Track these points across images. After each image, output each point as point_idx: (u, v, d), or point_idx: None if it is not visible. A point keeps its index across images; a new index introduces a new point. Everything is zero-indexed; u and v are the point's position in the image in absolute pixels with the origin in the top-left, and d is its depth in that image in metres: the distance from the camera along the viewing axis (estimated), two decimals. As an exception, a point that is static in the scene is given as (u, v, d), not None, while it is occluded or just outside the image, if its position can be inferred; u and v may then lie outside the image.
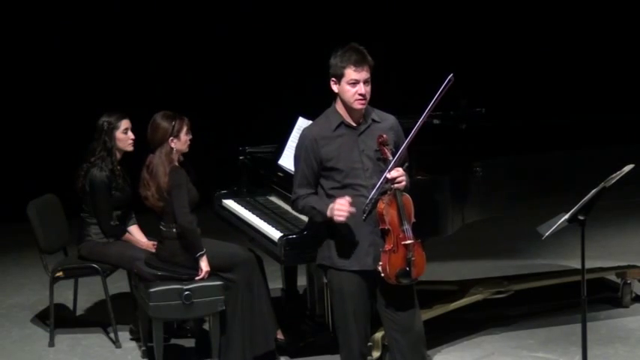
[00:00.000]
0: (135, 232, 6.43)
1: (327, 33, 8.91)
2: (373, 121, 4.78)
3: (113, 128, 6.31)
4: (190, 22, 10.11)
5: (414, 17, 10.43)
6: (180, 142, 5.79)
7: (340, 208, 4.57)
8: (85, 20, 9.85)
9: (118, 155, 6.35)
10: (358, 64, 4.64)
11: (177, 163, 5.79)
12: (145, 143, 5.94)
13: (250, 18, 10.20)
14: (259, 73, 10.06)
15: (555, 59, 10.51)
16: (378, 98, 4.83)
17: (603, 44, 10.58)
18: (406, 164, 4.86)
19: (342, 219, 4.59)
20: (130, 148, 6.36)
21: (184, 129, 5.81)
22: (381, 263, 4.64)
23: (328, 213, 4.63)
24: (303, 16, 10.17)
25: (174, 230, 5.78)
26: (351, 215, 4.61)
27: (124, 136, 6.35)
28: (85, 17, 9.84)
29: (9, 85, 9.77)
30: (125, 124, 6.35)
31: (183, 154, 5.85)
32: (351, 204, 4.58)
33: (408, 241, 4.64)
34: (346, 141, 4.71)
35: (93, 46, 9.87)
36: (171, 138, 5.76)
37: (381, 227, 4.66)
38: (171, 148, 5.76)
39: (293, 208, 4.92)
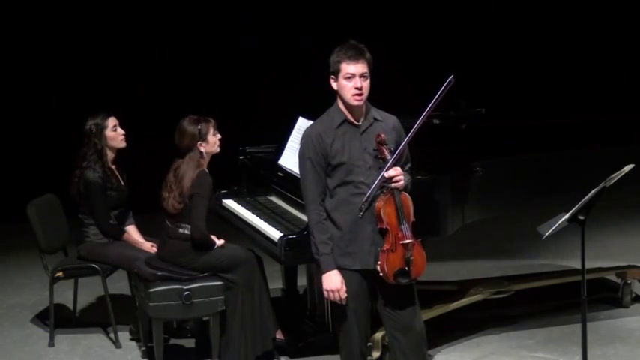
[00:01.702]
0: (133, 233, 6.42)
1: (327, 32, 8.90)
2: (375, 119, 4.78)
3: (102, 129, 6.30)
4: (190, 21, 10.11)
5: (414, 17, 10.43)
6: (209, 145, 5.79)
7: (336, 295, 4.70)
8: (84, 20, 9.86)
9: (111, 154, 6.35)
10: (353, 58, 4.65)
11: (206, 168, 5.79)
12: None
13: (250, 17, 10.20)
14: (259, 72, 10.06)
15: (555, 59, 10.51)
16: (378, 99, 4.83)
17: (603, 44, 10.58)
18: (409, 165, 4.86)
19: (326, 294, 4.72)
20: (123, 144, 6.37)
21: (211, 131, 5.80)
22: (379, 263, 4.65)
23: (324, 276, 4.70)
24: (303, 16, 10.17)
25: (179, 230, 5.79)
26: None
27: (114, 134, 6.35)
28: (84, 17, 9.85)
29: (9, 86, 9.78)
30: (112, 121, 6.35)
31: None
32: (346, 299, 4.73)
33: (407, 241, 4.64)
34: (349, 138, 4.72)
35: (92, 45, 9.87)
36: (199, 142, 5.76)
37: (379, 227, 4.66)
38: (200, 153, 5.77)
39: (307, 212, 4.81)
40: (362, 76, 4.67)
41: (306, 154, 4.74)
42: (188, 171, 5.73)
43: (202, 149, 5.77)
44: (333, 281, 4.70)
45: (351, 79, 4.66)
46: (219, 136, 5.84)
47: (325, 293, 4.74)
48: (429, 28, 10.39)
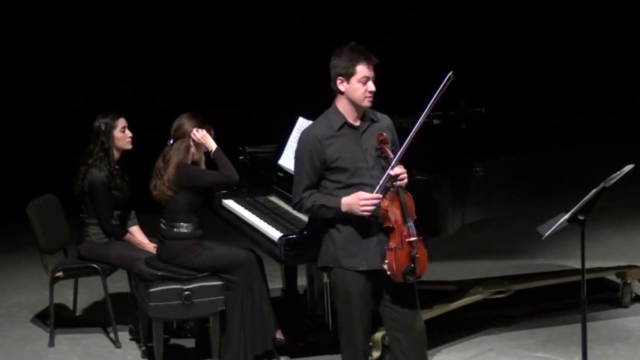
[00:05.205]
0: (136, 233, 6.43)
1: (326, 32, 8.91)
2: (372, 120, 4.79)
3: (111, 128, 6.32)
4: (189, 22, 10.11)
5: (414, 17, 10.43)
6: (198, 144, 5.80)
7: (366, 200, 4.56)
8: (84, 20, 9.86)
9: (117, 154, 6.36)
10: (369, 61, 4.66)
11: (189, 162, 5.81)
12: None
13: (250, 17, 10.20)
14: (259, 72, 10.06)
15: (555, 59, 10.51)
16: (378, 98, 4.84)
17: (602, 44, 10.58)
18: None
19: (367, 213, 4.59)
20: (129, 146, 6.38)
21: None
22: (387, 261, 4.65)
23: (344, 208, 4.63)
24: (302, 16, 10.17)
25: (174, 230, 5.79)
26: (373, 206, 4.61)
27: (123, 135, 6.36)
28: (84, 18, 9.85)
29: (9, 86, 9.78)
30: (122, 122, 6.37)
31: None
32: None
33: (412, 238, 4.65)
34: (350, 141, 4.72)
35: (92, 45, 9.87)
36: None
37: (385, 225, 4.66)
38: (190, 145, 5.77)
39: (297, 210, 4.88)
40: (373, 79, 4.69)
41: (302, 158, 4.74)
42: (175, 156, 5.75)
43: (192, 143, 5.78)
44: (353, 200, 4.60)
45: (366, 83, 4.67)
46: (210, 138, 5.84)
47: (367, 213, 4.60)
48: (428, 27, 10.38)
